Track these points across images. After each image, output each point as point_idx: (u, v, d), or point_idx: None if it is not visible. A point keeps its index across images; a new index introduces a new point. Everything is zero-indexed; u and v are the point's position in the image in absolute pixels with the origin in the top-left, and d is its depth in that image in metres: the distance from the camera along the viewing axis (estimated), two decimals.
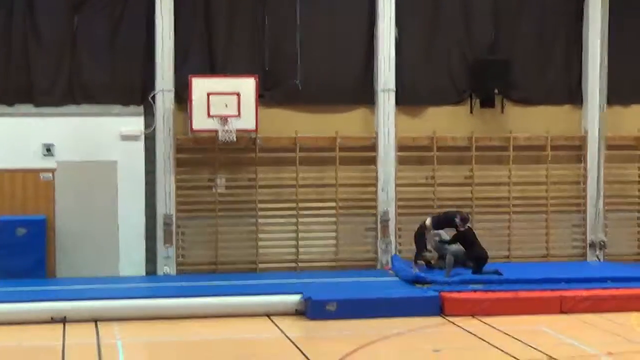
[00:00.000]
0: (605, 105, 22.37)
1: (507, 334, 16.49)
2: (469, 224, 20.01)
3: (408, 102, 21.96)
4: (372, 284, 19.66)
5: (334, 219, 21.74)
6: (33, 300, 17.83)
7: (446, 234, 20.49)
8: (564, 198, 22.57)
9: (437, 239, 20.47)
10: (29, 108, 20.76)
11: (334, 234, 21.76)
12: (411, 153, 21.95)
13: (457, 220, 19.94)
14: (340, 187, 21.72)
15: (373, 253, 21.90)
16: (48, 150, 20.77)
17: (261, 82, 21.04)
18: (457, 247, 19.96)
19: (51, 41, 20.78)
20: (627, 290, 18.93)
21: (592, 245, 22.44)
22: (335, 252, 21.79)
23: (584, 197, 22.52)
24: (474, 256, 19.72)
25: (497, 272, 19.43)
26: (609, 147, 22.51)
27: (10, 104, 20.72)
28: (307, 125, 21.56)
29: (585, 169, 22.48)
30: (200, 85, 20.48)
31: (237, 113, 20.47)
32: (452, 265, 19.61)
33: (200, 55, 21.27)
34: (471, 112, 22.19)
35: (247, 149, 21.40)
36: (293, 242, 21.66)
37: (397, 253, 21.71)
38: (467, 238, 19.85)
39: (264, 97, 21.24)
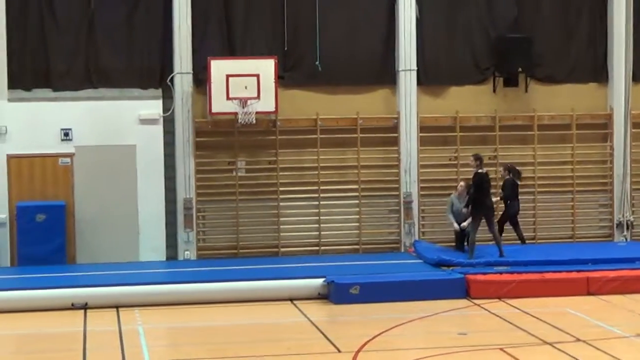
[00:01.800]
0: (631, 82, 22.07)
1: (533, 316, 16.32)
2: (484, 169, 19.52)
3: (430, 81, 21.77)
4: (396, 267, 19.46)
5: (356, 201, 21.56)
6: (54, 287, 17.71)
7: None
8: (590, 177, 22.33)
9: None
10: (46, 93, 20.67)
11: (356, 217, 21.60)
12: (434, 133, 21.75)
13: (471, 159, 19.65)
14: (362, 168, 21.55)
15: (396, 235, 21.72)
16: (66, 135, 20.66)
17: (281, 63, 20.88)
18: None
19: (68, 25, 20.69)
20: None
21: (619, 225, 22.20)
22: (358, 234, 21.62)
23: (611, 177, 22.29)
24: (483, 204, 19.25)
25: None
26: (636, 125, 22.24)
27: (27, 88, 20.62)
28: (328, 106, 21.40)
29: (611, 147, 22.23)
30: (219, 67, 20.33)
31: (256, 95, 20.31)
32: (475, 245, 19.32)
33: (218, 37, 21.12)
34: (494, 91, 21.98)
35: (267, 131, 21.25)
36: (315, 225, 21.51)
37: (421, 234, 21.51)
38: (481, 181, 19.30)
39: (283, 79, 21.10)
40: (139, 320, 16.55)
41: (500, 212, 20.64)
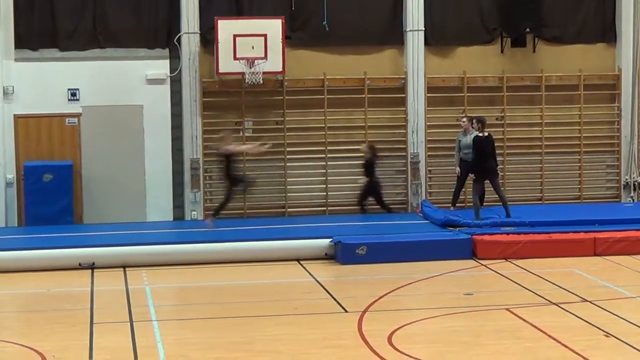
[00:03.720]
0: (639, 42, 21.93)
1: (539, 277, 16.31)
2: (487, 131, 19.52)
3: (437, 42, 21.69)
4: (403, 227, 19.45)
5: (363, 162, 21.49)
6: (61, 247, 17.74)
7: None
8: (598, 138, 22.26)
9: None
10: (53, 52, 20.62)
11: (363, 177, 21.53)
12: (441, 94, 21.68)
13: (473, 122, 19.62)
14: (369, 129, 21.49)
15: (403, 196, 21.69)
16: (73, 95, 20.63)
17: (288, 23, 20.80)
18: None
19: None
20: None
21: (627, 186, 22.14)
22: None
23: (618, 137, 22.21)
24: (483, 167, 19.24)
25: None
26: None
27: (34, 48, 20.57)
28: (335, 66, 21.33)
29: (619, 108, 22.13)
30: (226, 27, 20.25)
31: (263, 55, 20.24)
32: (479, 207, 19.30)
33: None
34: (502, 51, 21.89)
35: (274, 92, 21.20)
36: (322, 186, 21.50)
37: (428, 195, 21.51)
38: (481, 145, 19.33)
39: (290, 39, 21.02)
40: (146, 280, 16.59)
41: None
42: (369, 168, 20.76)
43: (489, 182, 19.58)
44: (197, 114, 20.85)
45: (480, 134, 19.34)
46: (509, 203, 19.59)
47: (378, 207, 20.81)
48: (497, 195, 19.65)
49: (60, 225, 19.69)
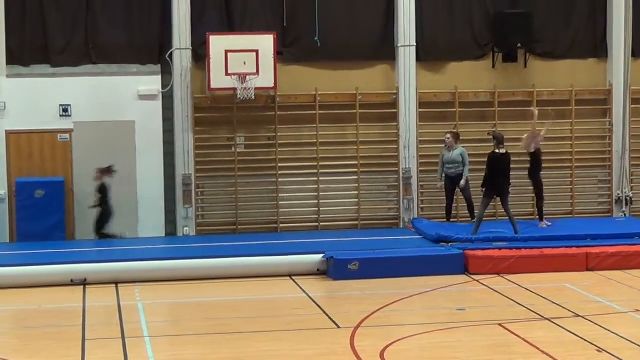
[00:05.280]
0: (630, 57, 22.01)
1: (532, 292, 16.32)
2: (503, 149, 19.42)
3: (429, 57, 21.72)
4: (395, 243, 19.46)
5: (355, 177, 21.54)
6: (53, 263, 17.70)
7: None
8: (589, 153, 22.31)
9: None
10: (45, 68, 20.62)
11: (355, 193, 21.58)
12: (433, 109, 21.70)
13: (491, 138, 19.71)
14: (361, 144, 21.51)
15: (395, 211, 21.70)
16: (65, 111, 20.62)
17: (280, 39, 20.82)
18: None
19: (66, 0, 20.53)
20: None
21: (619, 201, 22.17)
22: (357, 210, 21.61)
23: (610, 152, 22.25)
24: (493, 183, 19.17)
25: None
26: (635, 101, 22.18)
27: (26, 64, 20.57)
28: (327, 82, 21.35)
29: (610, 123, 22.18)
30: (218, 43, 20.27)
31: (255, 71, 20.26)
32: (480, 222, 19.29)
33: (217, 12, 21.04)
34: (493, 67, 21.94)
35: (266, 107, 21.21)
36: (314, 201, 21.50)
37: (420, 210, 21.54)
38: (494, 161, 19.24)
39: (282, 54, 21.04)
40: (138, 296, 16.56)
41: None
42: (102, 193, 20.04)
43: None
44: (189, 129, 20.85)
45: (497, 151, 19.31)
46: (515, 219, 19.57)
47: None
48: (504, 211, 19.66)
49: (52, 242, 19.65)
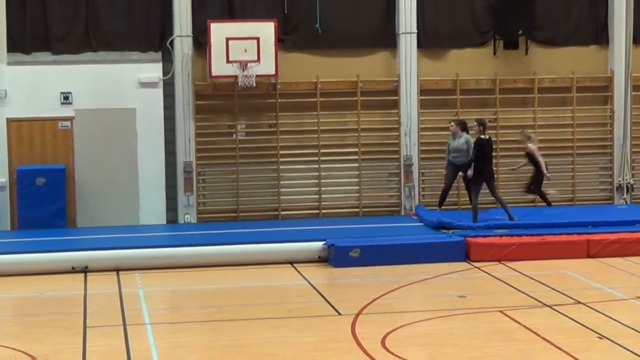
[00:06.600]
0: (631, 44, 21.98)
1: (533, 279, 16.32)
2: (487, 135, 19.39)
3: (430, 44, 21.70)
4: (396, 230, 19.46)
5: (356, 165, 21.54)
6: (54, 250, 17.71)
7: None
8: (591, 140, 22.29)
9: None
10: (45, 56, 20.61)
11: (356, 180, 21.58)
12: (434, 97, 21.69)
13: (474, 124, 19.47)
14: (362, 132, 21.50)
15: (396, 199, 21.70)
16: (66, 98, 20.61)
17: (281, 26, 20.79)
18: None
19: None
20: None
21: (619, 188, 22.17)
22: (358, 198, 21.61)
23: (611, 139, 22.24)
24: (483, 170, 19.10)
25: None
26: (636, 88, 22.16)
27: (27, 52, 20.56)
28: (328, 69, 21.33)
29: (611, 110, 22.16)
30: (219, 31, 20.24)
31: (256, 58, 20.23)
32: (477, 210, 19.29)
33: (218, 0, 20.96)
34: (494, 54, 21.91)
35: (267, 95, 21.20)
36: (315, 189, 21.50)
37: (421, 197, 21.52)
38: (481, 147, 19.08)
39: (283, 42, 21.01)
40: (139, 283, 16.57)
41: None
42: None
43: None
44: (190, 117, 20.84)
45: (483, 136, 19.24)
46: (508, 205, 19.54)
47: None
48: (493, 198, 19.57)
49: (53, 229, 19.70)
